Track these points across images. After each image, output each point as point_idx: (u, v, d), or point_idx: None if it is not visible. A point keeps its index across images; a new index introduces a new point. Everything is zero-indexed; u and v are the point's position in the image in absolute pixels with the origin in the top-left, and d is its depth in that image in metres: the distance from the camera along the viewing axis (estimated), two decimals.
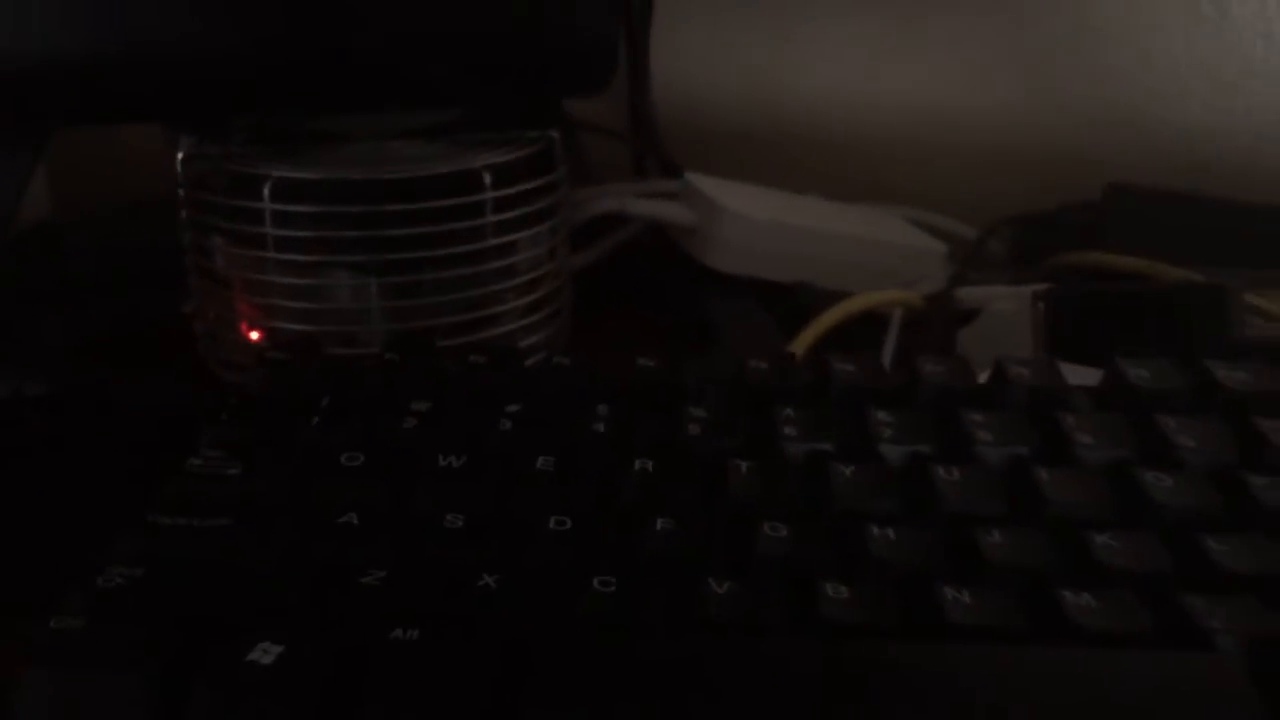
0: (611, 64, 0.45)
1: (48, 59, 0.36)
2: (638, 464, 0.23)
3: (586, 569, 0.20)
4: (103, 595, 0.20)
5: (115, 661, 0.18)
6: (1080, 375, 0.28)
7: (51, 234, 0.48)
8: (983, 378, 0.28)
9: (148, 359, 0.40)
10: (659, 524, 0.22)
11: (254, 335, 0.38)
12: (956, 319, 0.40)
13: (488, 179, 0.36)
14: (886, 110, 0.58)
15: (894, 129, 0.57)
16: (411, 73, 0.39)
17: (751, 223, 0.45)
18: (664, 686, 0.18)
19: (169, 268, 0.40)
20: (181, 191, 0.38)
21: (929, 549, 0.21)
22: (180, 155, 0.38)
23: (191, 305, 0.40)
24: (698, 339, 0.44)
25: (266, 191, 0.35)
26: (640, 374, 0.27)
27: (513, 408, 0.26)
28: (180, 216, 0.38)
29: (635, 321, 0.45)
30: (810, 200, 0.51)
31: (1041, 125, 0.56)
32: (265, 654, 0.18)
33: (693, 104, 0.58)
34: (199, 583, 0.20)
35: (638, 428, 0.25)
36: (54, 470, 0.31)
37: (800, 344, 0.38)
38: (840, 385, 0.27)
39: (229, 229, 0.37)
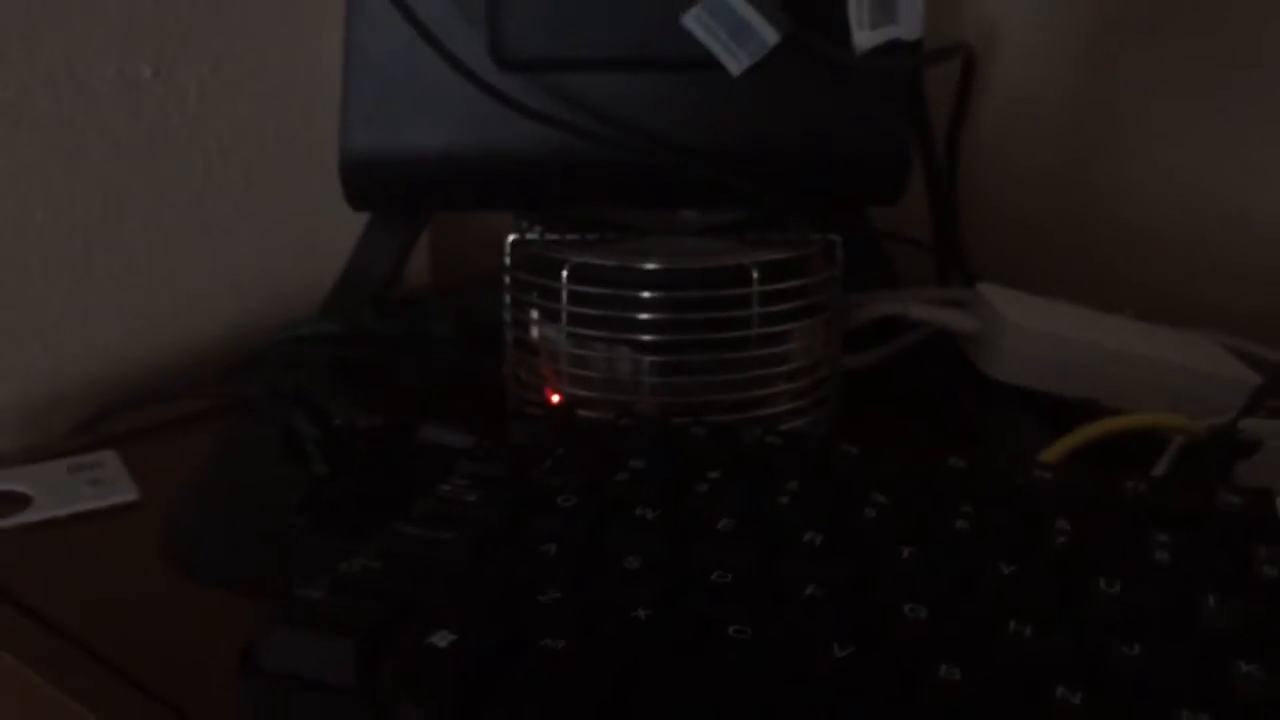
0: (903, 176, 0.48)
1: (428, 155, 0.44)
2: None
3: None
4: (341, 578, 0.25)
5: (331, 627, 0.23)
6: None
7: (416, 299, 0.57)
8: None
9: (467, 409, 0.46)
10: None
11: (555, 398, 0.44)
12: (1238, 451, 0.38)
13: (755, 274, 0.39)
14: (1210, 229, 0.56)
15: (1222, 245, 0.55)
16: (719, 179, 0.44)
17: (1032, 333, 0.45)
18: None
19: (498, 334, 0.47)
20: (506, 269, 0.44)
21: None
22: (510, 239, 0.44)
23: (507, 367, 0.46)
24: (961, 443, 0.44)
25: (564, 274, 0.40)
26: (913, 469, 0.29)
27: (792, 484, 0.28)
28: (505, 290, 0.45)
29: (903, 422, 0.46)
30: (1117, 319, 0.50)
31: None
32: (442, 639, 0.22)
33: (1005, 215, 0.58)
34: (414, 577, 0.25)
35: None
36: (358, 485, 0.38)
37: (1054, 452, 0.38)
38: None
39: (538, 304, 0.42)
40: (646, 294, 0.39)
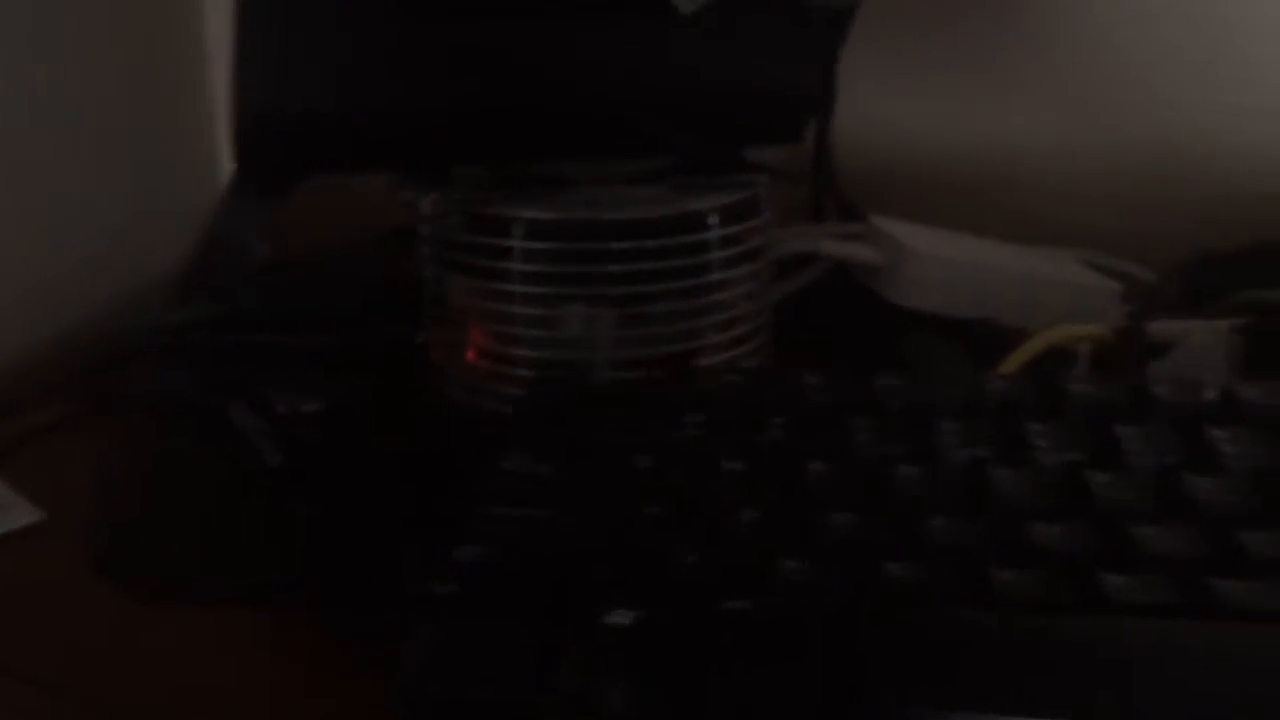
0: (808, 115, 0.48)
1: (301, 118, 0.40)
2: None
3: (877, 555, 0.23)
4: (469, 569, 0.23)
5: (501, 611, 0.21)
6: None
7: (280, 270, 0.52)
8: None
9: (385, 384, 0.43)
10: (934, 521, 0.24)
11: (481, 362, 0.42)
12: (1147, 353, 0.42)
13: (714, 220, 0.39)
14: (1066, 153, 0.60)
15: (1072, 171, 0.59)
16: (634, 125, 0.43)
17: (937, 261, 0.47)
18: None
19: (402, 302, 0.44)
20: (424, 232, 0.42)
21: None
22: (426, 200, 0.41)
23: (425, 335, 0.43)
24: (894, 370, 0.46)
25: (515, 230, 0.38)
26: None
27: (778, 419, 0.28)
28: (420, 255, 0.42)
29: (830, 356, 0.47)
30: (989, 241, 0.53)
31: (1208, 167, 0.58)
32: (623, 617, 0.21)
33: (867, 148, 0.61)
34: (544, 560, 0.23)
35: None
36: (335, 480, 0.35)
37: (1007, 366, 0.40)
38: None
39: (470, 266, 0.40)
40: (608, 246, 0.38)
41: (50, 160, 0.51)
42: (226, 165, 0.47)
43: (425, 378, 0.43)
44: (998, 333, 0.47)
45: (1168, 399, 0.29)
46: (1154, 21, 0.58)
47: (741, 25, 0.41)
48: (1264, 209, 0.54)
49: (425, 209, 0.42)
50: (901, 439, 0.28)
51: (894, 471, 0.26)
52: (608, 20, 0.42)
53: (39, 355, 0.48)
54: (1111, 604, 0.22)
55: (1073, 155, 0.59)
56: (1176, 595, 0.22)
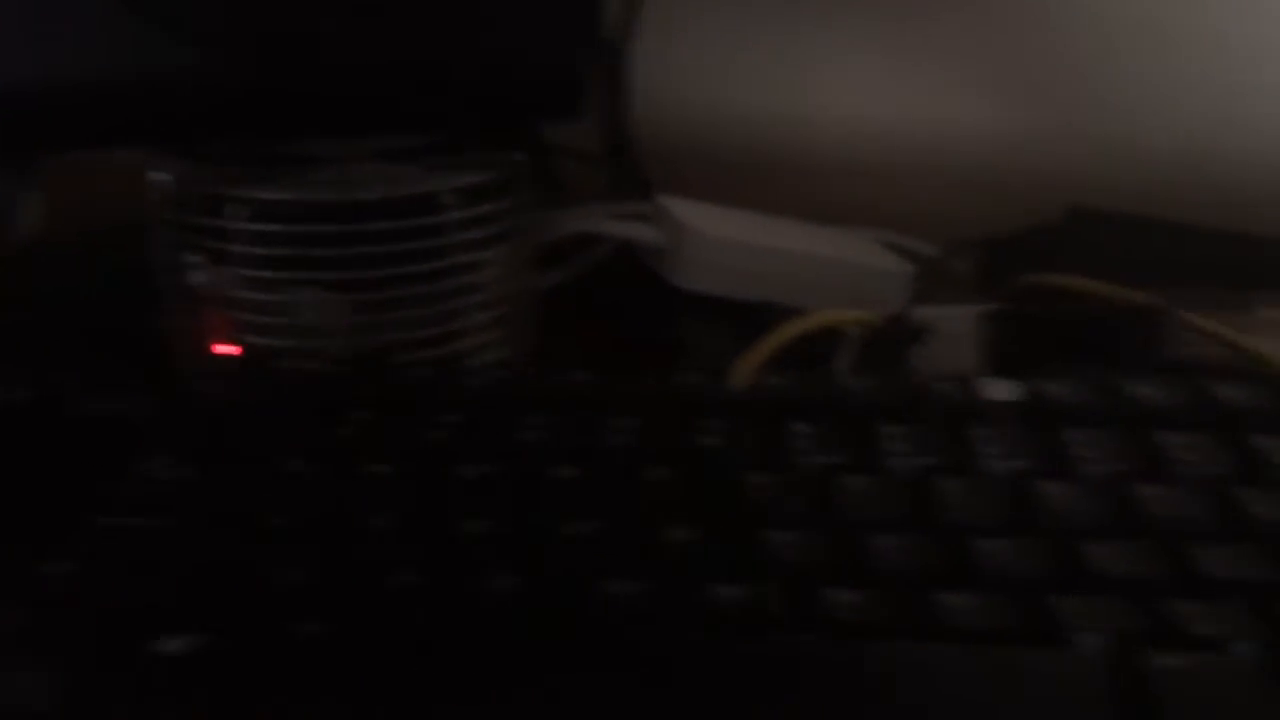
0: (582, 93, 0.47)
1: (24, 89, 0.38)
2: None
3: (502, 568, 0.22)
4: (41, 584, 0.21)
5: (37, 644, 0.19)
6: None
7: (26, 256, 0.50)
8: None
9: (122, 371, 0.41)
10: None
11: (225, 350, 0.40)
12: (912, 338, 0.41)
13: (449, 201, 0.37)
14: (866, 133, 0.59)
15: (873, 152, 0.59)
16: (381, 100, 0.41)
17: (715, 242, 0.46)
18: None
19: (145, 287, 0.41)
20: (159, 214, 0.39)
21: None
22: (157, 179, 0.39)
23: (166, 322, 0.41)
24: (665, 356, 0.45)
25: (238, 212, 0.36)
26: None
27: (450, 418, 0.27)
28: (157, 237, 0.40)
29: (604, 339, 0.46)
30: (783, 222, 0.52)
31: (1017, 147, 0.58)
32: (176, 645, 0.19)
33: (677, 126, 0.59)
34: (129, 578, 0.21)
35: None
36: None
37: (751, 361, 0.39)
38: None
39: (205, 248, 0.38)
40: (338, 228, 0.36)
41: None
42: None
43: (164, 367, 0.41)
44: (780, 315, 0.46)
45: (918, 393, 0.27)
46: None
47: None
48: (1067, 190, 0.54)
49: (164, 190, 0.39)
50: (573, 436, 0.27)
51: (554, 472, 0.25)
52: None
53: None
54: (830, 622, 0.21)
55: (884, 135, 0.59)
56: (895, 612, 0.21)
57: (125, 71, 0.40)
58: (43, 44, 0.39)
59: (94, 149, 0.46)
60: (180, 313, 0.40)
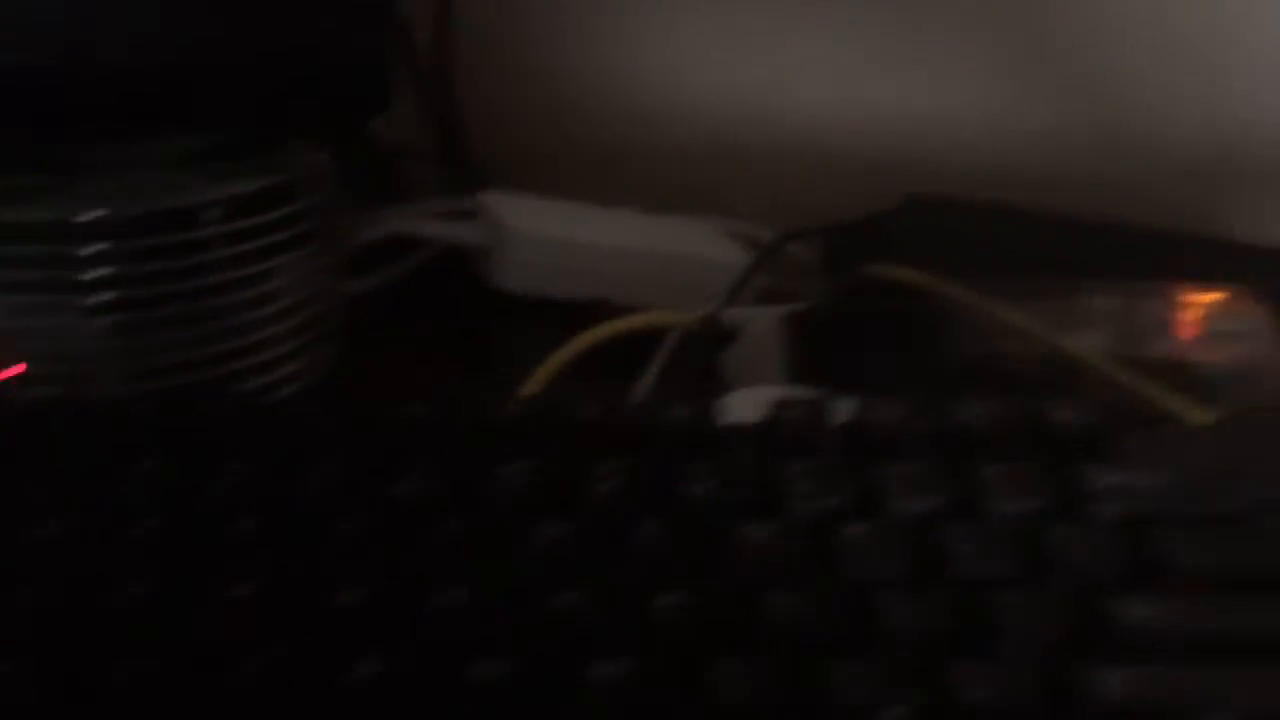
0: (384, 84, 0.45)
1: None
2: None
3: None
4: None
5: None
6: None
7: None
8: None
9: None
10: None
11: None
12: (722, 341, 0.40)
13: (210, 216, 0.35)
14: (717, 117, 0.58)
15: (716, 137, 0.57)
16: (172, 99, 0.39)
17: (536, 241, 0.45)
18: None
19: None
20: None
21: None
22: None
23: None
24: (480, 365, 0.43)
25: None
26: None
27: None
28: None
29: (415, 348, 0.44)
30: (619, 214, 0.50)
31: (857, 130, 0.56)
32: None
33: (513, 120, 0.57)
34: None
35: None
36: None
37: (549, 369, 0.37)
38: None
39: None
40: (90, 249, 0.34)
41: None
42: None
43: None
44: (612, 314, 0.44)
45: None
46: None
47: None
48: (922, 176, 0.52)
49: None
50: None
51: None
52: None
53: None
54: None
55: (726, 119, 0.57)
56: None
57: None
58: None
59: None
60: None
